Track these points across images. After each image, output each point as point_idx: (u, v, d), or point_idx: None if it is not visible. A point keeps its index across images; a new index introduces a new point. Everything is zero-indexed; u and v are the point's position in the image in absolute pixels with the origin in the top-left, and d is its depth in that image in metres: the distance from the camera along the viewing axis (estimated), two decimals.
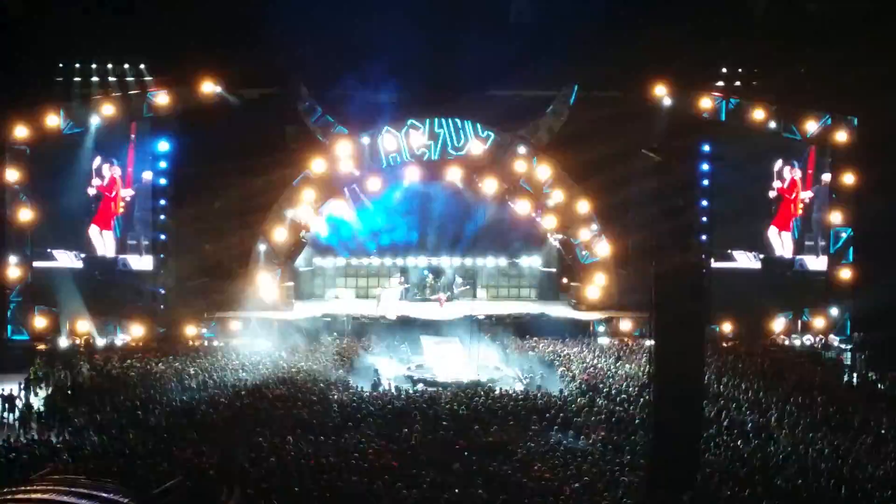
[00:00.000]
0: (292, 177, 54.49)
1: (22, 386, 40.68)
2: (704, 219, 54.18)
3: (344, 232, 58.19)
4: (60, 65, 52.65)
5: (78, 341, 49.89)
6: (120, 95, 52.39)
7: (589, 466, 29.58)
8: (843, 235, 54.41)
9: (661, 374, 27.41)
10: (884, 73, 48.50)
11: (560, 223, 56.15)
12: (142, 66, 53.11)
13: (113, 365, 43.90)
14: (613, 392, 39.16)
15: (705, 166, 54.64)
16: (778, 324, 53.59)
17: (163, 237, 53.67)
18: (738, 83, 55.10)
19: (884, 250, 51.74)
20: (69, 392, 39.48)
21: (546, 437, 33.39)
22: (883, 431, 34.52)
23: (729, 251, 55.36)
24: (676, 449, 27.35)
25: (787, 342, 52.74)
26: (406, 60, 52.72)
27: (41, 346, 49.15)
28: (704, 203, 54.31)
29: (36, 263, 52.54)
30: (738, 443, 32.81)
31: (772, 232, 55.10)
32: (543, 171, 55.23)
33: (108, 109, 51.82)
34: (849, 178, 53.52)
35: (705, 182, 54.70)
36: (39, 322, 51.23)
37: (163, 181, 53.47)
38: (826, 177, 54.70)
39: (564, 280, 59.77)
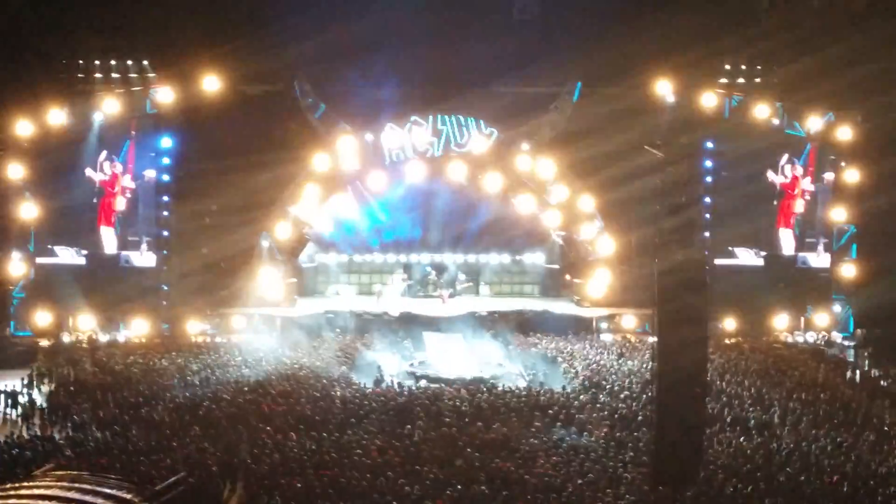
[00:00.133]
0: (295, 173, 54.49)
1: (25, 382, 40.69)
2: (707, 216, 54.17)
3: (347, 228, 58.29)
4: (64, 61, 52.65)
5: (81, 337, 49.90)
6: (123, 92, 52.36)
7: (592, 463, 29.58)
8: (846, 232, 54.32)
9: (664, 371, 27.42)
10: (888, 70, 48.52)
11: (563, 220, 56.15)
12: (145, 62, 53.08)
13: (116, 361, 43.96)
14: (616, 388, 39.14)
15: (708, 163, 54.66)
16: (781, 320, 53.55)
17: (166, 233, 53.62)
18: (741, 79, 55.03)
19: (887, 247, 51.71)
20: (72, 388, 39.48)
21: (549, 433, 33.40)
22: (886, 428, 34.57)
23: (730, 248, 55.32)
24: (679, 445, 27.35)
25: (789, 339, 52.70)
26: (409, 56, 52.88)
27: (44, 343, 49.14)
28: (707, 200, 54.30)
29: (38, 260, 52.54)
30: (741, 439, 32.86)
31: (780, 229, 55.04)
32: (547, 167, 55.19)
33: (111, 106, 51.75)
34: (852, 175, 53.43)
35: (708, 179, 54.69)
36: (42, 318, 51.20)
37: (166, 178, 53.41)
38: (829, 174, 54.66)
39: (567, 277, 59.74)
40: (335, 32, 51.51)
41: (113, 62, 53.10)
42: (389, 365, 45.82)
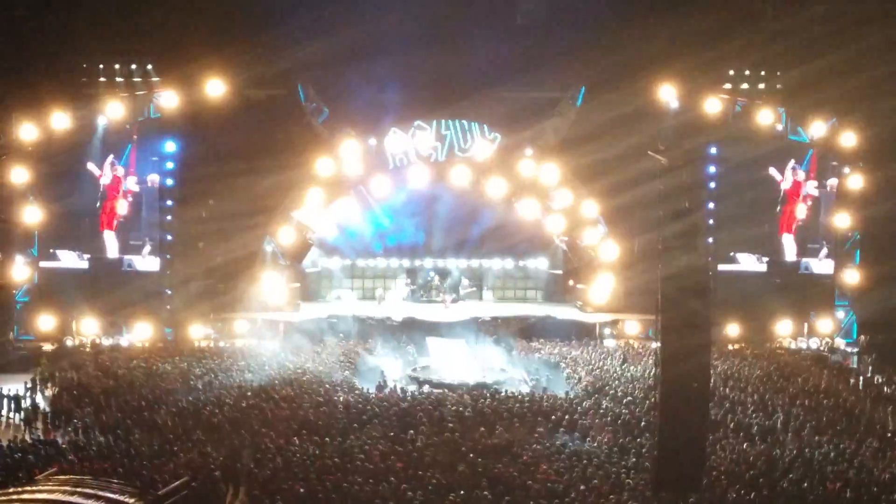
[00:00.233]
0: (299, 178, 54.48)
1: (28, 386, 40.69)
2: (710, 221, 54.14)
3: (350, 233, 58.33)
4: (68, 65, 52.65)
5: (84, 341, 49.92)
6: (127, 96, 52.38)
7: (594, 469, 29.56)
8: (850, 238, 54.28)
9: (668, 377, 27.37)
10: (892, 75, 48.50)
11: (567, 225, 56.13)
12: (149, 66, 53.07)
13: (119, 365, 43.95)
14: (619, 394, 39.11)
15: (712, 169, 54.65)
16: (784, 326, 53.52)
17: (169, 238, 53.66)
18: (745, 85, 54.98)
19: (890, 253, 51.74)
20: (75, 392, 39.47)
21: (552, 439, 33.39)
22: (889, 435, 34.50)
23: (731, 254, 55.28)
24: (682, 451, 27.28)
25: (793, 345, 52.67)
26: (413, 61, 52.94)
27: (47, 347, 49.17)
28: (711, 205, 54.26)
29: (41, 263, 52.57)
30: (744, 445, 32.82)
31: (782, 235, 54.98)
32: (550, 172, 55.17)
33: (115, 110, 51.77)
34: (855, 181, 53.41)
35: (712, 184, 54.68)
36: (46, 322, 51.21)
37: (169, 182, 53.45)
38: (832, 180, 54.61)
39: (571, 282, 59.70)
40: (339, 37, 51.46)
41: (117, 66, 53.10)
42: (392, 370, 45.87)
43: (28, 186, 51.30)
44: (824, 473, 29.46)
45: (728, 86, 54.74)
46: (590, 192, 55.23)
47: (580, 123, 54.58)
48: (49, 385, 41.84)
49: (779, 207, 54.85)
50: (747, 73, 54.93)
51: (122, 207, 52.85)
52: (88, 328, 51.07)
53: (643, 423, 34.43)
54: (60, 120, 50.93)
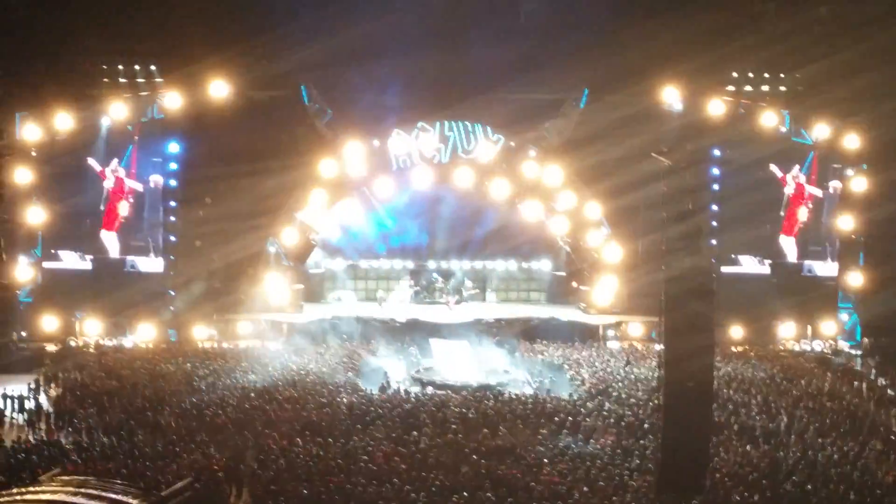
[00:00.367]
0: (302, 179, 54.49)
1: (32, 387, 40.71)
2: (714, 223, 54.11)
3: (354, 234, 58.33)
4: (71, 66, 52.67)
5: (87, 342, 49.95)
6: (130, 96, 52.40)
7: (598, 470, 29.55)
8: (853, 240, 54.26)
9: (671, 379, 27.37)
10: (895, 78, 48.45)
11: (570, 226, 56.13)
12: (153, 67, 53.10)
13: (122, 366, 43.97)
14: (623, 396, 39.10)
15: (715, 170, 54.65)
16: (787, 329, 53.52)
17: (172, 238, 53.71)
18: (748, 87, 55.00)
19: (893, 256, 51.70)
20: (79, 393, 39.48)
21: (555, 440, 33.36)
22: (892, 437, 34.48)
23: (734, 256, 55.26)
24: (686, 453, 27.29)
25: (796, 347, 52.65)
26: (416, 62, 52.99)
27: (51, 348, 49.20)
28: (714, 207, 54.24)
29: (44, 264, 52.62)
30: (748, 447, 32.80)
31: (783, 237, 55.01)
32: (554, 174, 55.17)
33: (118, 110, 51.79)
34: (859, 183, 53.41)
35: (715, 186, 54.68)
36: (49, 323, 51.24)
37: (173, 183, 53.51)
38: (835, 182, 54.62)
39: (574, 284, 59.60)
40: (342, 38, 51.53)
41: (121, 66, 53.17)
42: (395, 371, 45.82)
43: (32, 187, 51.31)
44: (828, 476, 29.45)
45: (731, 88, 54.78)
46: (593, 193, 55.23)
47: (583, 125, 54.58)
48: (53, 386, 41.87)
49: (782, 211, 54.85)
50: (751, 74, 55.01)
51: (123, 209, 52.90)
52: (92, 329, 51.10)
53: (646, 425, 34.43)
54: (64, 120, 50.95)
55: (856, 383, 43.60)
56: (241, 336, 52.13)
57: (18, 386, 40.21)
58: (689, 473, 27.43)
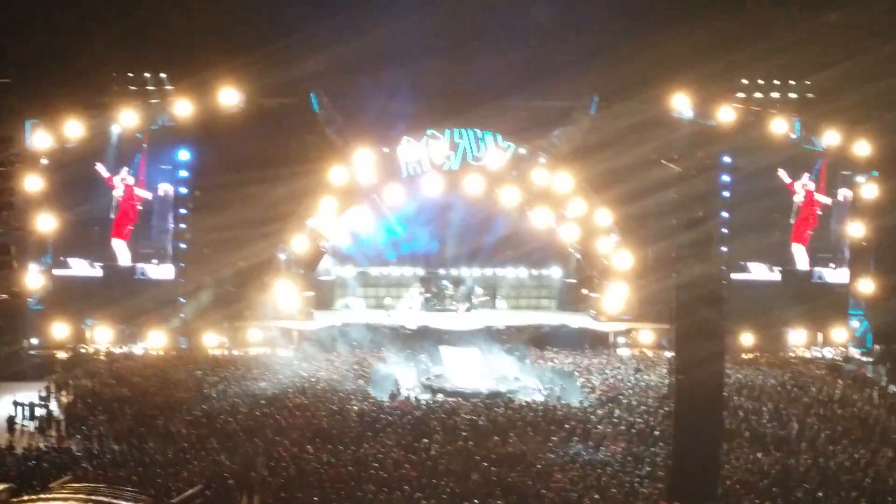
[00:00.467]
0: (312, 186, 54.51)
1: (42, 394, 40.74)
2: (724, 230, 54.02)
3: (364, 241, 58.35)
4: (81, 73, 52.74)
5: (98, 349, 50.00)
6: (141, 104, 52.45)
7: (608, 478, 29.53)
8: (864, 247, 54.14)
9: (682, 386, 27.36)
10: None
11: (580, 234, 56.12)
12: (163, 74, 53.20)
13: (133, 373, 43.99)
14: (633, 403, 39.09)
15: (726, 177, 54.60)
16: (798, 336, 53.43)
17: (183, 246, 53.76)
18: (758, 94, 54.97)
19: None
20: (89, 400, 39.51)
21: (565, 448, 33.37)
22: None
23: (742, 262, 55.16)
24: (696, 461, 27.29)
25: (807, 354, 52.53)
26: (425, 69, 53.02)
27: (62, 355, 49.24)
28: (724, 214, 54.17)
29: (55, 271, 52.67)
30: (759, 454, 32.75)
31: (794, 245, 54.90)
32: (563, 181, 55.17)
33: (128, 118, 51.84)
34: (869, 190, 53.34)
35: (725, 193, 54.61)
36: (60, 330, 51.29)
37: (183, 190, 53.59)
38: (844, 190, 54.52)
39: (584, 291, 59.51)
40: (352, 46, 51.64)
41: (131, 74, 53.26)
42: (406, 378, 45.82)
43: (42, 195, 51.37)
44: (839, 483, 29.42)
45: (742, 94, 54.76)
46: (603, 200, 55.19)
47: (594, 132, 54.65)
48: (63, 393, 41.90)
49: (792, 219, 54.75)
50: (761, 81, 54.97)
51: (133, 217, 52.92)
52: (102, 336, 51.16)
53: (657, 433, 34.42)
54: (74, 128, 50.99)
55: (867, 390, 43.52)
56: (252, 343, 52.11)
57: (29, 393, 40.28)
58: (699, 481, 27.42)
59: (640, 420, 36.36)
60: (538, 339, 52.72)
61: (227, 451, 32.08)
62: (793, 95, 54.87)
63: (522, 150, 55.55)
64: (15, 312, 50.26)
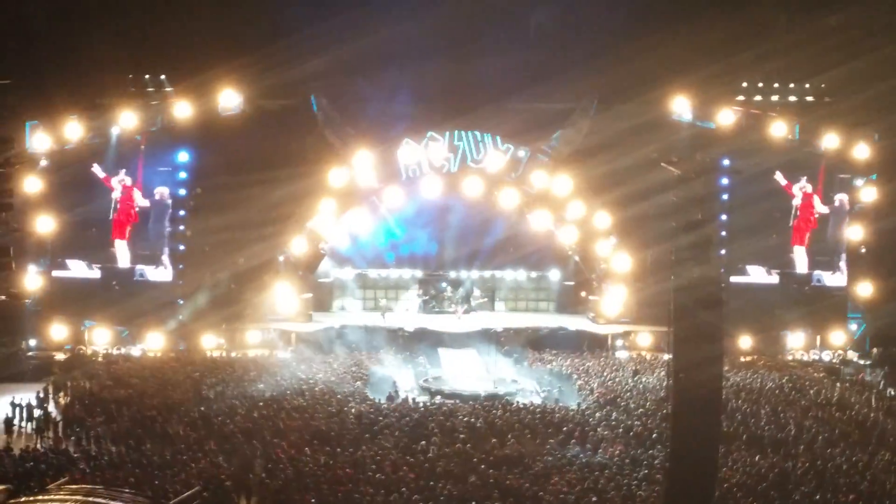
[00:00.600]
0: (312, 188, 54.48)
1: (40, 395, 40.73)
2: (723, 233, 54.01)
3: (363, 243, 58.32)
4: (81, 75, 52.68)
5: (96, 351, 49.99)
6: (140, 106, 52.42)
7: (606, 480, 29.55)
8: (862, 251, 54.12)
9: (680, 388, 27.33)
10: None
11: (579, 236, 56.11)
12: (162, 77, 53.20)
13: (131, 375, 43.98)
14: (631, 406, 39.09)
15: (725, 180, 54.57)
16: (796, 339, 53.44)
17: (182, 248, 53.73)
18: (758, 97, 54.97)
19: None
20: (87, 402, 39.53)
21: (563, 450, 33.39)
22: None
23: (741, 265, 55.13)
24: (694, 463, 27.23)
25: (805, 357, 52.54)
26: (425, 72, 52.95)
27: (60, 356, 49.23)
28: (724, 217, 54.14)
29: (53, 273, 52.65)
30: (757, 457, 32.76)
31: (796, 248, 54.86)
32: (563, 184, 55.15)
33: (128, 120, 51.81)
34: (868, 193, 53.32)
35: (724, 196, 54.59)
36: (58, 332, 51.28)
37: (182, 192, 53.56)
38: (841, 195, 54.48)
39: (583, 293, 59.51)
40: (352, 48, 51.60)
41: (131, 76, 53.27)
42: (404, 380, 45.84)
43: (41, 196, 51.36)
44: (837, 485, 29.45)
45: (741, 97, 54.75)
46: (602, 203, 55.16)
47: (593, 135, 54.59)
48: (61, 394, 41.94)
49: (791, 222, 54.71)
50: (760, 84, 54.98)
51: (131, 218, 52.88)
52: (100, 338, 51.15)
53: (655, 435, 34.45)
54: (73, 130, 51.01)
55: (864, 393, 43.54)
56: (250, 345, 52.14)
57: (27, 394, 40.22)
58: (697, 483, 27.34)
59: (638, 423, 36.37)
60: (536, 342, 52.74)
61: (225, 453, 32.11)
62: (792, 98, 54.87)
63: (522, 153, 55.52)
64: (13, 314, 50.28)
